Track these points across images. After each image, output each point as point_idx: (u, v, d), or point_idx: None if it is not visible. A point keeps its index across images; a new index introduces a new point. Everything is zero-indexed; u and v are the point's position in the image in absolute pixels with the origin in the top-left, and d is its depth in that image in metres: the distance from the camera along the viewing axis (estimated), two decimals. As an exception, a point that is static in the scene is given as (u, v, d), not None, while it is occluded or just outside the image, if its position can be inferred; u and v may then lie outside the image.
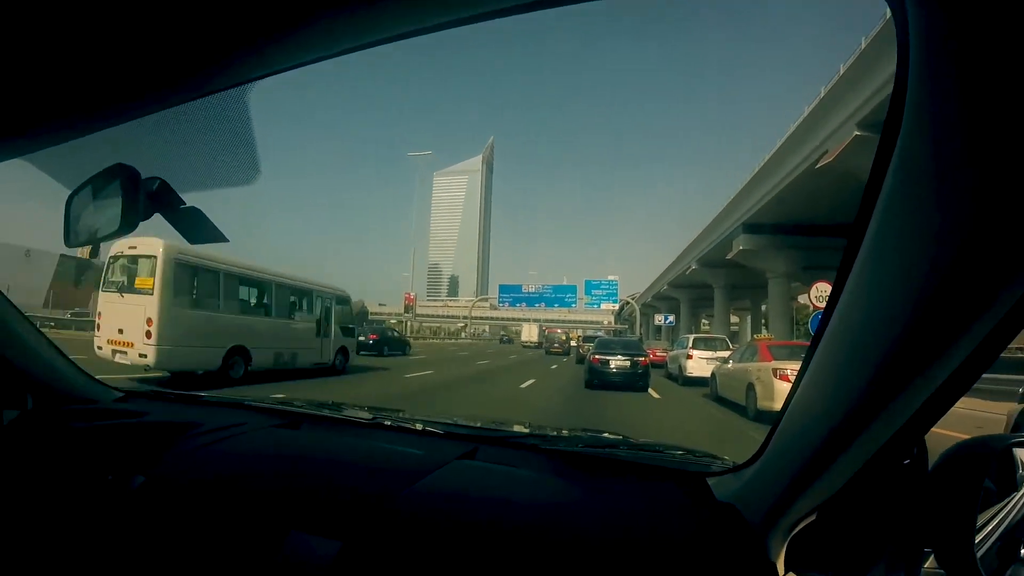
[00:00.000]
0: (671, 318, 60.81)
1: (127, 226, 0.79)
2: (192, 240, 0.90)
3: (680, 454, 1.31)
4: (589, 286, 64.07)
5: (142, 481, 1.06)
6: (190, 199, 0.85)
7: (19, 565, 1.01)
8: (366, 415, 1.58)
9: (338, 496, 0.98)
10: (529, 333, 62.16)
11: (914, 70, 0.41)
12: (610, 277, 65.52)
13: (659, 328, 68.37)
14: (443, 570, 0.80)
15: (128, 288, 9.83)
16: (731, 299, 47.60)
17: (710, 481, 0.98)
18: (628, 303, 70.65)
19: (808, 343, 0.70)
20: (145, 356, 9.39)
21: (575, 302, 66.36)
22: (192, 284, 10.43)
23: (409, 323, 71.97)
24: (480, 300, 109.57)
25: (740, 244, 31.33)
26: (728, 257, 33.79)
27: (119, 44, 0.52)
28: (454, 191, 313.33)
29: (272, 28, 0.50)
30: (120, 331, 9.60)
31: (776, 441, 0.76)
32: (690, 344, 16.74)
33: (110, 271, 10.09)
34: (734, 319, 66.64)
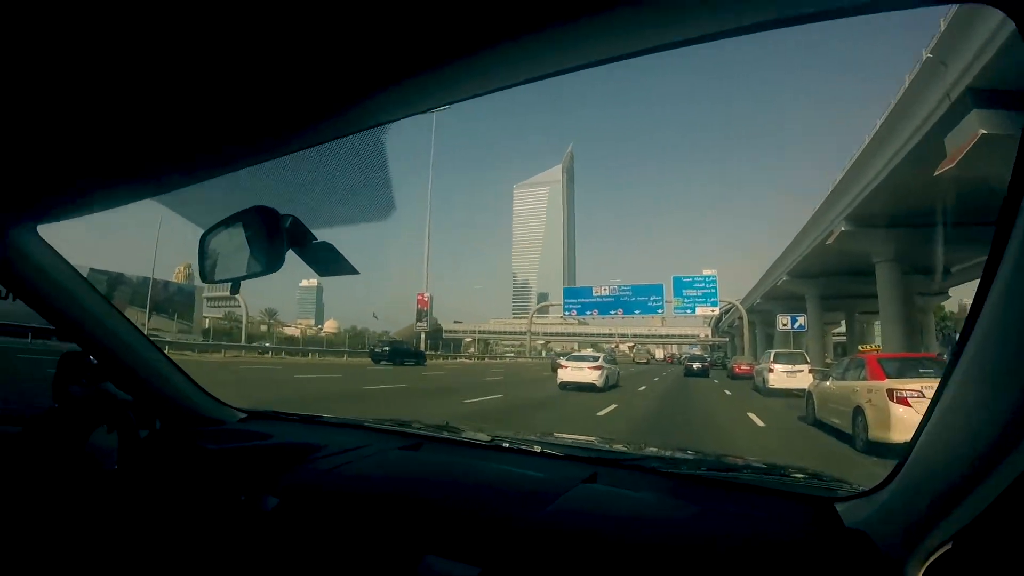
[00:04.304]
0: (800, 320, 40.61)
1: (273, 265, 0.85)
2: (322, 273, 0.92)
3: (805, 477, 1.28)
4: (679, 285, 50.22)
5: (276, 503, 1.10)
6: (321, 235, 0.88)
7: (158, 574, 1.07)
8: (484, 437, 1.59)
9: (469, 520, 0.99)
10: (576, 370, 17.71)
11: None
12: (706, 272, 52.85)
13: (782, 335, 46.92)
14: None
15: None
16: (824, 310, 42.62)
17: (839, 507, 0.94)
18: (732, 306, 58.59)
19: (927, 355, 0.57)
20: None
21: (662, 307, 52.15)
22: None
23: (422, 334, 58.95)
24: (541, 309, 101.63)
25: (841, 226, 27.58)
26: (828, 242, 29.43)
27: (260, 92, 0.58)
28: (535, 203, 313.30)
29: (403, 75, 0.53)
30: None
31: (913, 462, 0.74)
32: (771, 359, 18.23)
33: None
34: (838, 330, 57.29)
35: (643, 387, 19.66)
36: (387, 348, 34.71)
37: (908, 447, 0.75)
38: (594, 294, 53.88)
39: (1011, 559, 0.60)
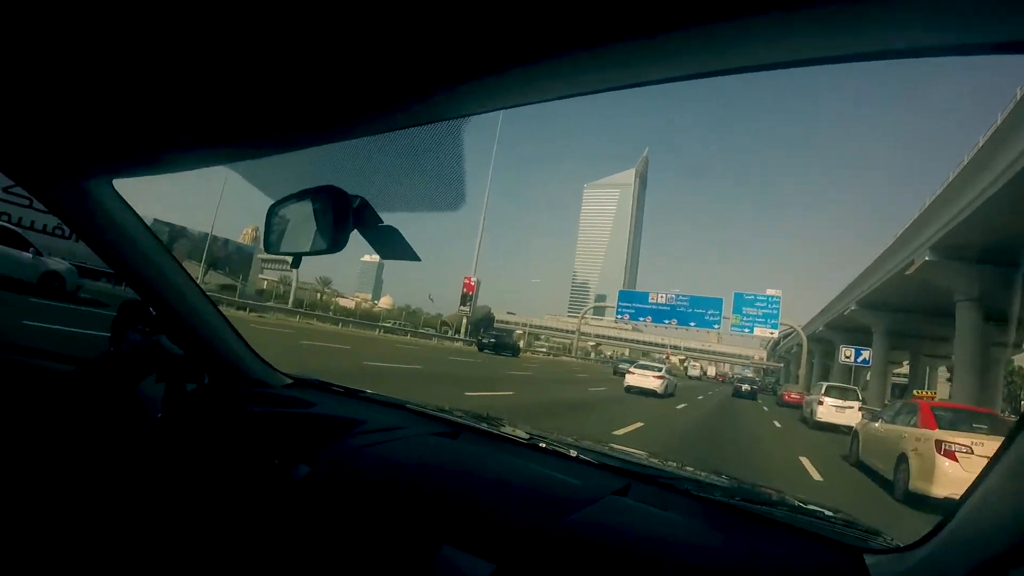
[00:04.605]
0: (865, 355, 36.75)
1: (336, 246, 0.86)
2: (384, 256, 0.94)
3: (839, 523, 1.23)
4: (739, 302, 48.64)
5: (307, 472, 1.13)
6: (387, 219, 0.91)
7: (184, 523, 1.12)
8: (523, 434, 1.58)
9: (493, 517, 0.99)
10: (641, 376, 20.45)
11: None
12: (770, 291, 49.64)
13: (841, 368, 45.39)
14: None
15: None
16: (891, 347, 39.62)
17: (868, 559, 0.91)
18: (792, 331, 55.69)
19: (986, 409, 0.63)
20: None
21: (719, 322, 49.55)
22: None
23: (464, 319, 55.68)
24: (593, 310, 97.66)
25: (925, 256, 25.49)
26: (908, 273, 27.55)
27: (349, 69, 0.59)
28: (604, 205, 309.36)
29: (487, 71, 0.55)
30: None
31: (958, 525, 0.71)
32: (823, 392, 18.14)
33: None
34: (899, 371, 52.56)
35: (683, 405, 18.42)
36: (493, 340, 39.07)
37: (954, 507, 0.71)
38: (649, 301, 52.19)
39: None
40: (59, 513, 1.15)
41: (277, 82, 0.64)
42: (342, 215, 0.86)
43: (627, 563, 0.88)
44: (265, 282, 59.92)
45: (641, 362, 25.47)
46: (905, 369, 49.18)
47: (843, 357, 35.90)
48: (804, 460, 9.81)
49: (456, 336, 51.21)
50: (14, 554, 1.11)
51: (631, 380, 20.18)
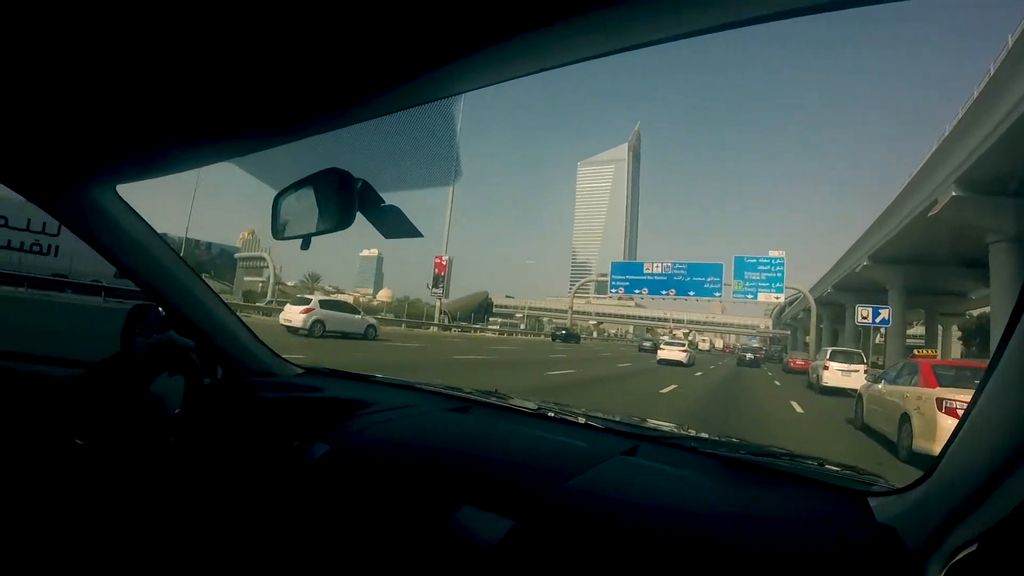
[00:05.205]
0: (884, 314, 30.50)
1: (344, 223, 0.90)
2: (388, 236, 0.98)
3: (841, 470, 1.26)
4: (740, 266, 45.08)
5: (325, 450, 1.16)
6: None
7: (209, 512, 1.16)
8: (531, 405, 1.62)
9: (508, 479, 1.02)
10: (670, 351, 28.03)
11: None
12: (773, 253, 46.22)
13: (854, 332, 40.98)
14: (605, 561, 0.83)
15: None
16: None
17: (872, 501, 0.95)
18: (798, 296, 52.56)
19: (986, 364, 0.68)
20: None
21: (719, 289, 46.40)
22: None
23: (439, 303, 51.80)
24: (584, 286, 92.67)
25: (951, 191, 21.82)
26: (931, 215, 23.88)
27: (332, 64, 0.63)
28: (599, 182, 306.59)
29: (474, 47, 0.56)
30: None
31: (947, 462, 0.76)
32: (828, 356, 18.29)
33: None
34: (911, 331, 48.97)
35: (699, 373, 22.59)
36: (563, 332, 49.81)
37: (944, 448, 0.77)
38: (644, 271, 49.11)
39: None
40: (85, 514, 1.18)
41: (271, 75, 0.67)
42: (347, 194, 0.89)
43: (639, 514, 0.90)
44: (259, 284, 56.80)
45: (668, 340, 33.81)
46: (915, 331, 46.39)
47: (860, 318, 31.76)
48: (794, 403, 12.98)
49: (458, 322, 53.83)
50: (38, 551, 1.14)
51: (663, 354, 27.28)
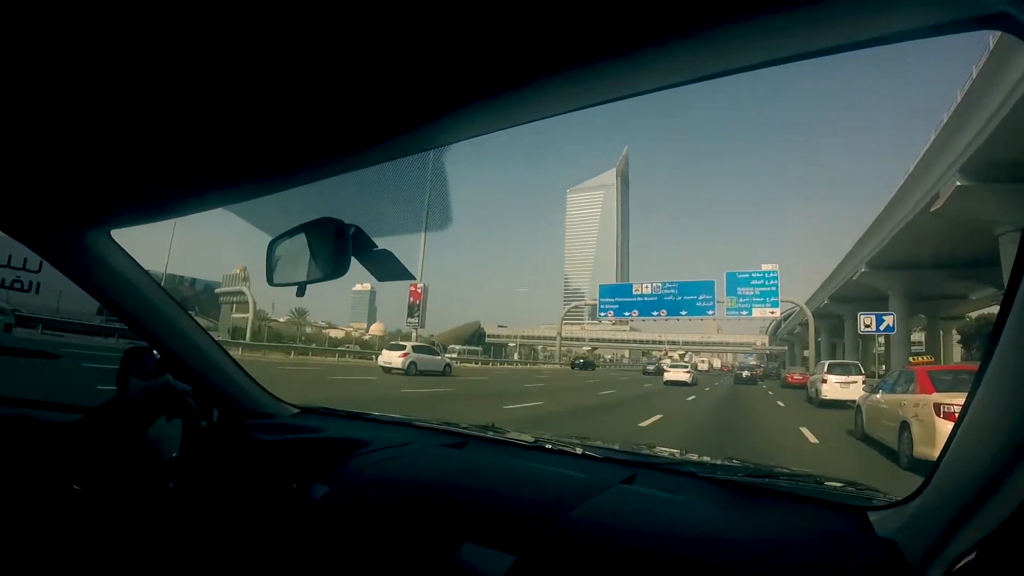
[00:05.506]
0: (888, 321, 30.32)
1: (338, 272, 0.91)
2: (381, 279, 0.99)
3: (840, 486, 1.28)
4: (733, 282, 43.91)
5: (324, 492, 1.18)
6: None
7: (211, 559, 1.15)
8: (528, 438, 1.65)
9: (508, 513, 1.03)
10: (675, 372, 31.39)
11: None
12: (766, 266, 44.51)
13: (855, 342, 41.35)
14: None
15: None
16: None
17: (871, 516, 0.96)
18: (793, 310, 50.80)
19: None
20: None
21: (712, 307, 45.53)
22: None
23: (415, 333, 46.86)
24: (573, 312, 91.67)
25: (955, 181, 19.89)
26: (934, 209, 21.97)
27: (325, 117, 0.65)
28: (589, 208, 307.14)
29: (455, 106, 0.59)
30: None
31: (942, 472, 0.77)
32: (825, 369, 18.77)
33: None
34: (915, 338, 47.34)
35: (707, 388, 25.11)
36: (581, 361, 51.91)
37: (939, 457, 0.77)
38: (634, 292, 47.99)
39: None
40: (84, 562, 1.15)
41: (268, 128, 0.68)
42: (341, 243, 0.89)
43: (640, 543, 0.90)
44: (247, 319, 54.49)
45: (673, 363, 35.48)
46: (915, 336, 45.36)
47: (863, 326, 30.12)
48: (780, 403, 15.12)
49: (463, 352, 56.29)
50: None
51: (668, 376, 30.08)
